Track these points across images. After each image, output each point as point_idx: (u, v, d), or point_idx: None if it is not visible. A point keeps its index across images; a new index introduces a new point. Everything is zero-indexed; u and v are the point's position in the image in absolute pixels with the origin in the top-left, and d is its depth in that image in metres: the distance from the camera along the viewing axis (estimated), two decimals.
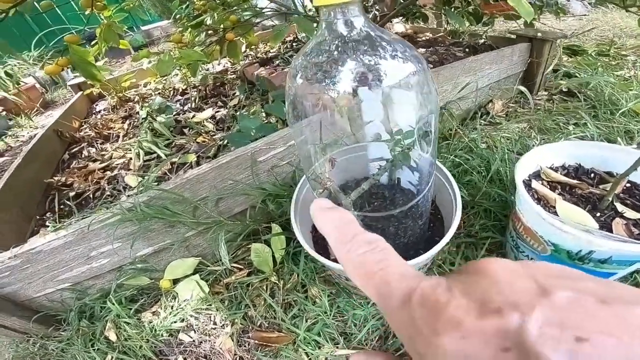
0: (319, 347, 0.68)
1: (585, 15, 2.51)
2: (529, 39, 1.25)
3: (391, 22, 1.95)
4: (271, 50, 1.79)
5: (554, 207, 0.63)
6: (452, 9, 1.41)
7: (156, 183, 0.96)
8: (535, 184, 0.68)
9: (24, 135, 2.00)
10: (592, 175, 0.70)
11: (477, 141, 0.91)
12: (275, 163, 0.78)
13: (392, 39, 0.38)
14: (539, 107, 1.27)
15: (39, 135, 1.23)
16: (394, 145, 0.45)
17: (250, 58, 1.76)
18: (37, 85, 2.50)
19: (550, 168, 0.73)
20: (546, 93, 1.40)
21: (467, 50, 1.40)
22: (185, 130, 1.21)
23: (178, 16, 1.40)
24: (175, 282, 0.83)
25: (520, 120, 1.19)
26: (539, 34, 1.23)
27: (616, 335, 0.11)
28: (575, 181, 0.68)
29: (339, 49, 0.36)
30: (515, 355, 0.11)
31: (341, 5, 0.34)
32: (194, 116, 1.27)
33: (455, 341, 0.13)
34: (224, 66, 1.82)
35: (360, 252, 0.18)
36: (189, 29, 1.24)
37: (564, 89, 1.37)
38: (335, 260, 0.68)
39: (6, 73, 2.20)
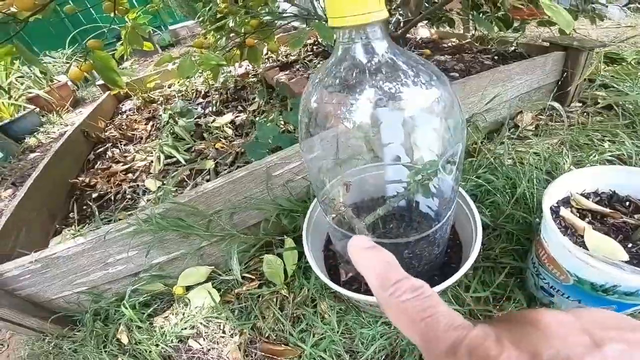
0: None
1: (623, 20, 2.36)
2: (564, 48, 1.18)
3: (415, 26, 1.90)
4: (292, 54, 1.78)
5: (582, 237, 0.59)
6: (481, 14, 1.35)
7: (174, 189, 0.97)
8: (563, 212, 0.64)
9: (54, 132, 2.09)
10: (628, 203, 0.65)
11: (502, 158, 0.87)
12: (290, 177, 0.77)
13: (418, 65, 0.35)
14: (571, 121, 1.19)
15: (67, 134, 1.28)
16: (414, 174, 0.43)
17: (270, 61, 1.76)
18: (69, 83, 2.60)
19: (582, 194, 0.68)
20: (580, 105, 1.32)
21: (495, 58, 1.34)
22: (205, 135, 1.22)
23: (201, 18, 1.41)
24: (188, 289, 0.84)
25: (551, 135, 1.12)
26: (575, 43, 1.16)
27: None
28: (608, 210, 0.63)
29: (357, 76, 0.34)
30: None
31: (359, 27, 0.32)
32: (214, 120, 1.28)
33: None
34: (246, 69, 1.83)
35: (404, 299, 0.18)
36: (212, 32, 1.25)
37: (600, 101, 1.28)
38: (346, 283, 0.66)
39: (41, 71, 2.30)
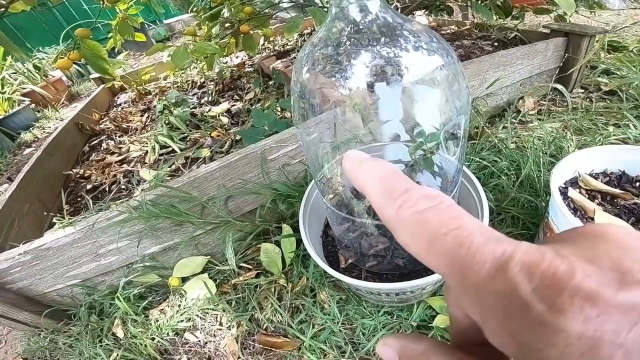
0: (325, 356, 0.65)
1: (623, 10, 2.33)
2: (565, 34, 1.16)
3: (413, 14, 1.87)
4: (288, 43, 1.75)
5: (592, 219, 0.57)
6: (480, 2, 1.33)
7: (169, 178, 0.94)
8: (572, 193, 0.61)
9: (50, 127, 2.06)
10: (638, 184, 0.63)
11: (506, 141, 0.84)
12: (286, 161, 0.74)
13: (415, 28, 0.33)
14: (575, 106, 1.17)
15: (60, 127, 1.25)
16: (415, 148, 0.40)
17: (267, 51, 1.73)
18: (64, 78, 2.57)
19: (590, 175, 0.66)
20: (582, 91, 1.29)
21: (495, 44, 1.31)
22: (201, 124, 1.19)
23: (195, 9, 1.38)
24: (184, 280, 0.82)
25: (554, 119, 1.10)
26: (577, 28, 1.14)
27: None
28: (618, 190, 0.61)
29: (352, 38, 0.32)
30: None
31: None
32: (209, 110, 1.26)
33: (589, 322, 0.09)
34: (242, 59, 1.80)
35: (419, 209, 0.13)
36: (206, 22, 1.22)
37: (603, 87, 1.26)
38: (346, 270, 0.64)
39: (35, 66, 2.27)
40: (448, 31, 1.59)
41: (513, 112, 1.13)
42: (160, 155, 1.10)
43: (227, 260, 0.79)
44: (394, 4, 1.57)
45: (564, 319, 0.09)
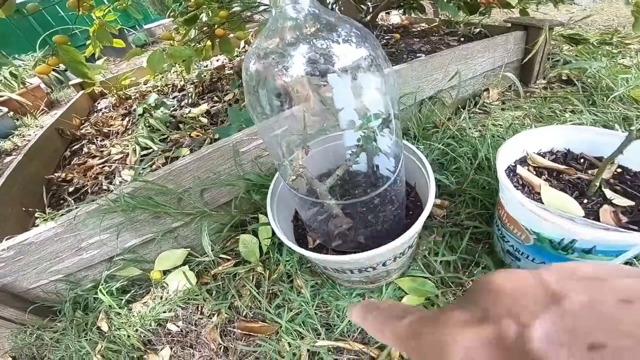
0: (301, 338, 0.68)
1: (589, 6, 2.44)
2: (525, 27, 1.22)
3: (389, 14, 1.94)
4: None
5: (539, 194, 0.61)
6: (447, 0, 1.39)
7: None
8: (520, 170, 0.66)
9: (30, 135, 2.05)
10: (582, 160, 0.67)
11: (466, 129, 0.90)
12: (258, 153, 0.78)
13: (338, 19, 0.38)
14: (535, 95, 1.24)
15: (40, 133, 1.27)
16: (359, 129, 0.45)
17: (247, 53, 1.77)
18: (42, 86, 2.55)
19: (538, 153, 0.71)
20: (545, 81, 1.37)
21: (461, 39, 1.38)
22: (181, 126, 1.22)
23: (173, 13, 1.41)
24: (166, 273, 0.85)
25: (516, 109, 1.16)
26: (535, 22, 1.20)
27: (635, 335, 0.09)
28: (562, 166, 0.65)
29: (290, 33, 0.36)
30: None
31: None
32: (189, 111, 1.29)
33: (460, 354, 0.12)
34: (222, 62, 1.83)
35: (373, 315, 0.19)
36: (183, 26, 1.25)
37: (563, 77, 1.34)
38: (314, 250, 0.68)
39: (11, 73, 2.25)
40: (418, 28, 1.65)
41: (477, 103, 1.20)
42: (142, 156, 1.13)
43: (207, 252, 0.83)
44: (367, 5, 1.62)
45: (446, 354, 0.13)
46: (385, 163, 0.55)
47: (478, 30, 1.41)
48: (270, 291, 0.78)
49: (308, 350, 0.66)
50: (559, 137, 0.69)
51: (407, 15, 1.85)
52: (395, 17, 1.86)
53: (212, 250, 0.79)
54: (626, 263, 0.62)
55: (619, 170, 0.64)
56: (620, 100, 1.08)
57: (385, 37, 1.53)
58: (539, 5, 1.57)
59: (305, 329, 0.69)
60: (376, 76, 0.39)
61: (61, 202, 1.07)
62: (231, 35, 1.25)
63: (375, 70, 0.38)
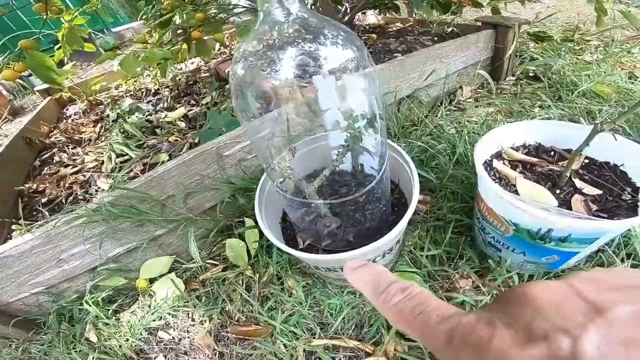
0: (297, 338, 0.69)
1: (553, 3, 2.57)
2: (494, 26, 1.28)
3: (364, 13, 1.97)
4: None
5: (515, 186, 0.64)
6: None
7: (127, 181, 0.95)
8: (496, 164, 0.69)
9: None
10: (552, 153, 0.71)
11: (443, 126, 0.93)
12: (242, 157, 0.78)
13: (326, 22, 0.38)
14: (506, 92, 1.30)
15: (5, 143, 1.20)
16: (346, 129, 0.46)
17: (223, 55, 1.75)
18: (5, 92, 2.41)
19: (512, 148, 0.74)
20: (514, 78, 1.43)
21: (435, 39, 1.42)
22: (158, 131, 1.20)
23: (145, 16, 1.37)
24: (152, 281, 0.83)
25: (488, 105, 1.21)
26: (503, 20, 1.26)
27: None
28: (535, 159, 0.69)
29: (278, 36, 0.37)
30: None
31: None
32: (165, 116, 1.26)
33: None
34: (198, 65, 1.80)
35: (395, 302, 0.18)
36: (157, 29, 1.22)
37: (530, 74, 1.41)
38: (304, 250, 0.69)
39: None
40: (394, 28, 1.69)
41: (452, 101, 1.24)
42: (118, 163, 1.09)
43: (193, 258, 0.82)
44: (344, 5, 1.64)
45: None
46: (370, 162, 0.57)
47: (450, 29, 1.46)
48: (262, 294, 0.78)
49: (304, 350, 0.67)
50: (530, 131, 0.73)
51: (382, 16, 1.89)
52: (372, 17, 1.89)
53: (199, 256, 0.78)
54: (598, 250, 0.67)
55: (586, 161, 0.68)
56: (584, 95, 1.15)
57: (363, 38, 1.55)
58: (506, 3, 1.65)
59: (300, 329, 0.70)
60: (362, 77, 0.40)
61: (34, 213, 1.03)
62: (206, 37, 1.23)
63: (362, 71, 0.40)
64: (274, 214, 0.69)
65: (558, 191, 0.62)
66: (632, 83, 1.16)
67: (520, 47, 1.64)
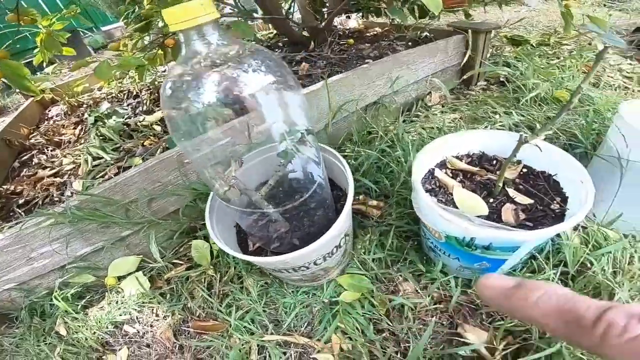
0: (251, 334, 0.74)
1: (537, 7, 2.61)
2: (465, 31, 1.29)
3: (349, 17, 2.00)
4: None
5: (452, 194, 0.67)
6: (401, 3, 1.45)
7: (98, 184, 0.99)
8: (437, 172, 0.72)
9: None
10: (495, 162, 0.75)
11: (400, 134, 0.97)
12: None
13: (247, 50, 0.43)
14: (474, 98, 1.34)
15: None
16: (280, 141, 0.51)
17: None
18: None
19: (456, 157, 0.78)
20: (485, 83, 1.47)
21: (409, 44, 1.45)
22: (134, 134, 1.23)
23: (126, 20, 1.41)
24: (121, 278, 0.88)
25: (455, 111, 1.25)
26: (473, 25, 1.28)
27: None
28: (475, 168, 0.72)
29: (200, 64, 0.41)
30: None
31: (196, 27, 0.39)
32: (144, 119, 1.30)
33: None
34: None
35: (631, 336, 0.14)
36: (137, 33, 1.26)
37: (501, 79, 1.44)
38: (254, 252, 0.73)
39: None
40: (372, 33, 1.72)
41: (421, 107, 1.28)
42: (94, 166, 1.13)
43: (163, 257, 0.86)
44: (323, 10, 1.68)
45: None
46: (317, 170, 0.61)
47: (424, 34, 1.49)
48: (222, 292, 0.83)
49: (257, 345, 0.71)
50: (475, 141, 0.76)
51: (363, 20, 1.92)
52: (353, 22, 1.92)
53: (162, 257, 0.83)
54: (529, 258, 0.70)
55: (525, 170, 0.71)
56: (544, 101, 1.19)
57: (340, 43, 1.58)
58: (485, 6, 1.68)
59: (254, 326, 0.75)
60: (286, 98, 0.45)
61: (10, 214, 1.07)
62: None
63: (287, 92, 0.44)
64: (228, 219, 0.73)
65: (492, 200, 0.65)
66: (591, 90, 1.20)
67: (496, 51, 1.68)
